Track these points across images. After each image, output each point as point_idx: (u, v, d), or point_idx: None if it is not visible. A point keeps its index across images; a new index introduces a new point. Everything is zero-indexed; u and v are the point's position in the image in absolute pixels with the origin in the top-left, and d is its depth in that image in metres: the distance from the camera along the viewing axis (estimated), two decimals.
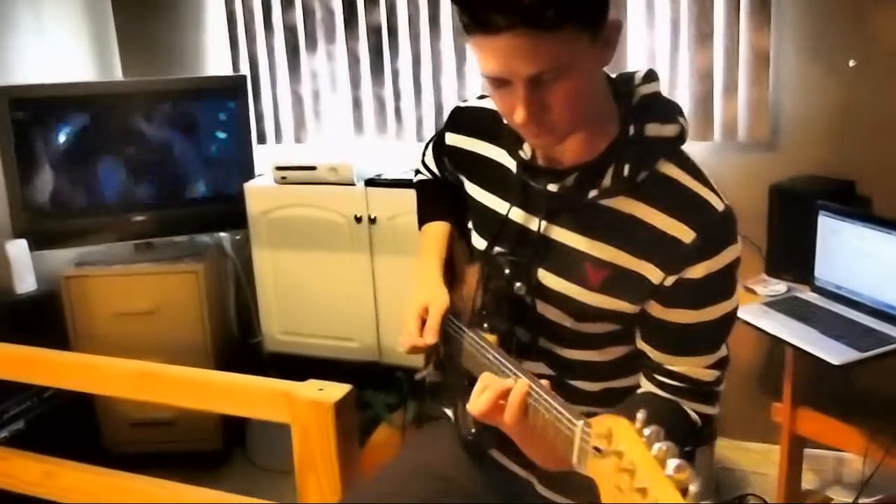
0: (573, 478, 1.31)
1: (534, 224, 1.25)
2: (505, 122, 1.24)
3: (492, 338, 1.26)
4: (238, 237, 3.29)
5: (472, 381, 1.32)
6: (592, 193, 1.18)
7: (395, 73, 3.05)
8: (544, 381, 1.07)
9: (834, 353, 2.07)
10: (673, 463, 0.78)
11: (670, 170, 1.17)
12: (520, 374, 1.09)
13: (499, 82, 1.09)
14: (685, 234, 1.14)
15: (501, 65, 1.05)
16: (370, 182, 2.87)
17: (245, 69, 3.24)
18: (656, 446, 0.80)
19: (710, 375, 1.20)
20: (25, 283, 2.82)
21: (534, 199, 1.25)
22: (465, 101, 1.46)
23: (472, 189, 1.38)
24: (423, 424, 1.68)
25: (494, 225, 1.31)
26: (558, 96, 1.07)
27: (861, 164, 2.57)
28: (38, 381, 1.87)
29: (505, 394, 1.07)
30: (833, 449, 2.70)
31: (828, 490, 2.79)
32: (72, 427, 2.94)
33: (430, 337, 1.33)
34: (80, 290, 2.97)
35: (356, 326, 3.01)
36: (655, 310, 1.19)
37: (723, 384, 1.22)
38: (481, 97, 1.42)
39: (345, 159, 2.90)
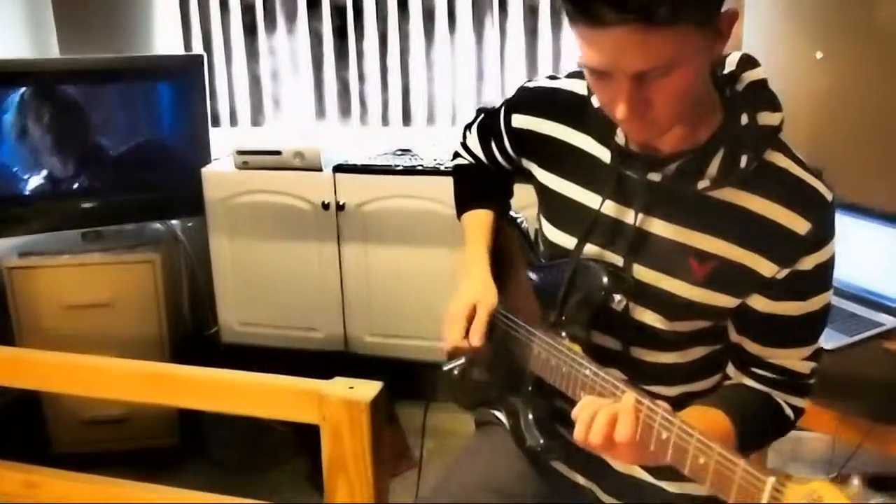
0: (642, 486, 1.28)
1: (629, 217, 1.18)
2: (595, 105, 1.18)
3: (576, 347, 1.18)
4: (190, 224, 3.14)
5: (537, 384, 1.27)
6: (702, 184, 1.11)
7: (360, 55, 2.96)
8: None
9: (824, 338, 2.09)
10: None
11: (778, 159, 1.12)
12: (627, 392, 1.04)
13: (600, 73, 1.02)
14: (800, 226, 1.10)
15: (607, 59, 0.98)
16: (339, 168, 2.78)
17: (198, 48, 3.09)
18: None
19: (806, 367, 1.18)
20: None
21: (629, 190, 1.17)
22: (530, 80, 1.37)
23: (549, 178, 1.29)
24: None
25: (583, 219, 1.22)
26: (664, 93, 1.00)
27: (829, 153, 2.62)
28: (24, 385, 1.73)
29: (615, 417, 1.01)
30: (798, 429, 2.76)
31: (788, 468, 2.86)
32: (17, 428, 2.76)
33: (477, 340, 1.27)
34: (25, 283, 2.78)
35: (321, 316, 2.92)
36: (760, 303, 1.15)
37: (815, 377, 1.20)
38: (551, 77, 1.33)
39: (311, 144, 2.79)
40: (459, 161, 1.54)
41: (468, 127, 1.51)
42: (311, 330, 2.95)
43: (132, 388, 1.47)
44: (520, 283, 1.37)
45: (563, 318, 1.22)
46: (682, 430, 0.97)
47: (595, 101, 1.19)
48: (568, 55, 2.85)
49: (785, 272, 1.12)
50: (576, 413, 1.05)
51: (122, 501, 1.66)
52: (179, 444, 3.00)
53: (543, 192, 1.31)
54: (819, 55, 2.62)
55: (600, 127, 1.20)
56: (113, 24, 3.22)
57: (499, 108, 1.39)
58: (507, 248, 1.43)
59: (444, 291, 2.71)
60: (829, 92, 2.61)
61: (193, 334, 3.15)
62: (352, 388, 1.41)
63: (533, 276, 1.35)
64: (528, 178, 1.35)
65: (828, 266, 1.14)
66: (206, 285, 3.07)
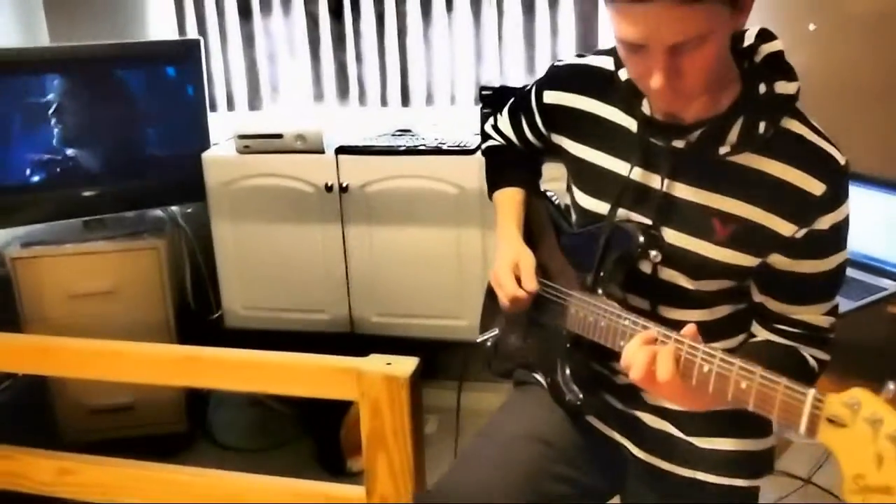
0: (674, 441, 1.33)
1: (655, 182, 1.25)
2: (622, 79, 1.25)
3: (613, 303, 1.25)
4: (190, 210, 3.14)
5: (575, 343, 1.32)
6: (723, 150, 1.18)
7: (358, 36, 2.95)
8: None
9: None
10: None
11: (794, 125, 1.19)
12: (671, 335, 1.11)
13: (635, 47, 1.09)
14: (815, 188, 1.16)
15: (644, 32, 1.05)
16: (341, 149, 2.78)
17: (192, 32, 3.07)
18: None
19: (826, 322, 1.25)
20: None
21: (655, 157, 1.25)
22: (559, 59, 1.44)
23: (579, 149, 1.35)
24: None
25: (613, 186, 1.29)
26: (695, 63, 1.08)
27: (828, 123, 2.66)
28: (51, 373, 1.73)
29: (655, 355, 1.09)
30: None
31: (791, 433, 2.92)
32: (25, 418, 2.76)
33: (530, 284, 1.35)
34: (29, 272, 2.78)
35: (327, 298, 2.93)
36: (780, 262, 1.21)
37: (835, 331, 1.26)
38: (579, 55, 1.40)
39: (313, 126, 2.79)
40: (490, 143, 1.60)
41: (499, 110, 1.58)
42: (317, 312, 2.96)
43: (165, 372, 1.48)
44: (552, 252, 1.42)
45: (601, 275, 1.29)
46: (723, 360, 1.04)
47: (622, 75, 1.27)
48: (565, 32, 2.87)
49: (802, 232, 1.19)
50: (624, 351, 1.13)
51: (155, 484, 1.68)
52: (187, 429, 3.02)
53: (575, 164, 1.37)
54: (812, 27, 2.65)
55: (627, 99, 1.27)
56: (105, 10, 3.19)
57: (529, 89, 1.46)
58: (538, 222, 1.49)
59: (448, 269, 2.76)
60: (825, 63, 2.65)
61: (197, 319, 3.15)
62: (389, 364, 1.43)
63: (567, 242, 1.41)
64: (557, 153, 1.41)
65: (843, 226, 1.21)
66: (209, 270, 3.08)
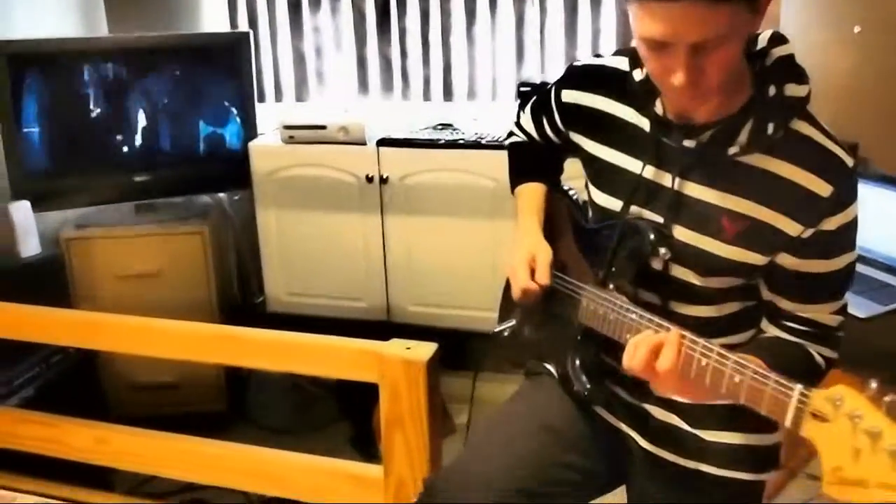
0: (680, 433, 1.37)
1: (667, 181, 1.28)
2: (636, 79, 1.29)
3: (623, 298, 1.29)
4: (237, 197, 3.24)
5: (586, 335, 1.36)
6: (733, 150, 1.21)
7: (403, 32, 3.02)
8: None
9: (858, 307, 2.15)
10: None
11: (804, 128, 1.21)
12: (671, 327, 1.15)
13: (659, 45, 1.11)
14: (823, 189, 1.18)
15: (669, 30, 1.08)
16: (382, 142, 2.85)
17: (243, 26, 3.16)
18: None
19: (835, 321, 1.27)
20: (30, 246, 2.74)
21: (667, 156, 1.28)
22: (577, 60, 1.48)
23: (594, 147, 1.39)
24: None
25: (627, 184, 1.32)
26: (716, 63, 1.10)
27: (865, 126, 2.64)
28: (101, 346, 1.82)
29: (658, 347, 1.12)
30: None
31: None
32: (77, 391, 2.88)
33: (543, 278, 1.38)
34: (82, 253, 2.89)
35: (365, 286, 3.00)
36: (788, 262, 1.24)
37: (843, 330, 1.29)
38: (597, 55, 1.44)
39: (356, 118, 2.86)
40: (514, 139, 1.65)
41: (522, 107, 1.62)
42: (355, 300, 3.03)
43: (202, 350, 1.57)
44: (570, 247, 1.46)
45: (613, 270, 1.33)
46: (720, 355, 1.09)
47: (637, 76, 1.30)
48: (607, 31, 2.89)
49: (809, 232, 1.21)
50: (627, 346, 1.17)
51: (186, 455, 1.76)
52: (227, 409, 3.10)
53: (590, 161, 1.40)
54: (857, 29, 2.64)
55: (641, 98, 1.31)
56: (161, 2, 3.31)
57: (550, 87, 1.50)
58: (558, 217, 1.52)
59: (484, 262, 2.81)
60: (866, 66, 2.63)
61: (241, 303, 3.25)
62: (409, 349, 1.50)
63: (583, 238, 1.45)
64: (575, 151, 1.44)
65: (850, 227, 1.22)
66: (253, 256, 3.17)
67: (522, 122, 1.61)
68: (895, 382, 2.24)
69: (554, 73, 2.98)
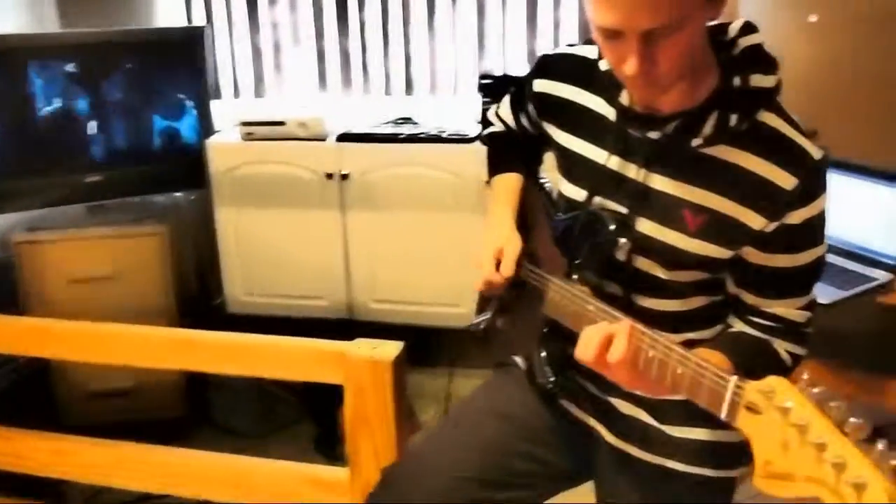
0: (646, 429, 1.34)
1: (631, 171, 1.25)
2: (603, 69, 1.26)
3: (585, 289, 1.26)
4: (193, 197, 3.16)
5: (553, 327, 1.33)
6: (696, 142, 1.18)
7: (362, 25, 2.97)
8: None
9: (819, 293, 2.14)
10: (853, 421, 0.80)
11: (770, 119, 1.19)
12: (623, 320, 1.13)
13: (612, 33, 1.09)
14: (787, 181, 1.16)
15: (621, 17, 1.06)
16: (342, 137, 2.80)
17: (199, 20, 3.09)
18: (832, 405, 0.82)
19: (803, 316, 1.24)
20: None
21: (632, 147, 1.25)
22: (552, 49, 1.45)
23: (563, 136, 1.36)
24: None
25: (592, 174, 1.29)
26: (670, 51, 1.08)
27: (824, 114, 2.65)
28: (51, 355, 1.75)
29: (610, 338, 1.11)
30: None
31: None
32: (26, 401, 2.79)
33: (508, 270, 1.35)
34: (34, 257, 2.80)
35: (326, 284, 2.96)
36: (753, 256, 1.21)
37: (812, 326, 1.26)
38: (570, 45, 1.41)
39: (315, 114, 2.81)
40: (492, 129, 1.62)
41: (490, 98, 1.59)
42: (317, 298, 2.98)
43: (158, 355, 1.51)
44: (543, 238, 1.43)
45: (577, 261, 1.30)
46: (665, 346, 1.08)
47: (603, 65, 1.27)
48: (568, 23, 2.87)
49: (773, 226, 1.18)
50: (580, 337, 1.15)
51: (149, 465, 1.71)
52: (187, 413, 3.03)
53: (560, 151, 1.38)
54: (812, 18, 2.64)
55: (607, 88, 1.28)
56: None
57: (525, 77, 1.47)
58: (533, 208, 1.50)
59: (447, 257, 2.77)
60: (824, 53, 2.64)
61: (200, 305, 3.18)
62: (375, 348, 1.46)
63: (552, 229, 1.42)
64: (549, 141, 1.41)
65: (817, 221, 1.20)
66: (212, 256, 3.10)
67: (501, 112, 1.58)
68: (856, 366, 2.27)
69: (515, 65, 2.96)
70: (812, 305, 1.25)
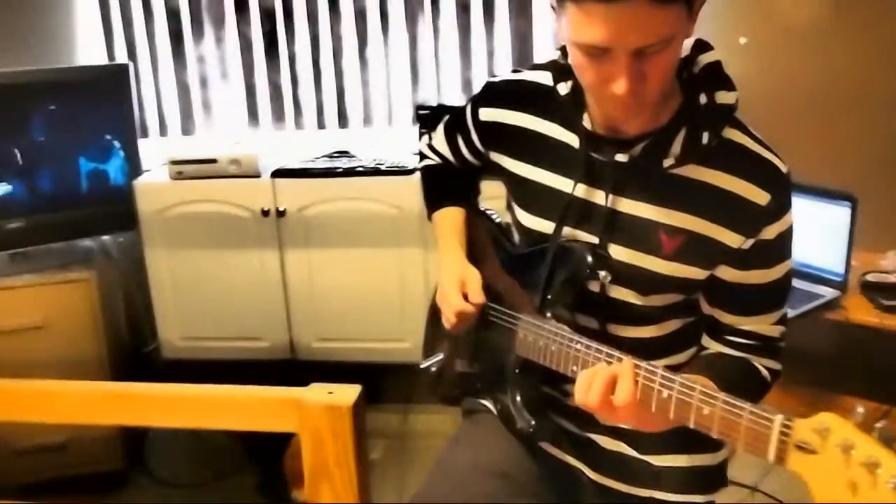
0: (629, 461, 1.31)
1: (599, 198, 1.22)
2: (562, 93, 1.23)
3: (564, 327, 1.21)
4: (122, 239, 3.04)
5: (526, 368, 1.28)
6: (668, 162, 1.16)
7: (292, 58, 2.91)
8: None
9: None
10: None
11: (736, 136, 1.18)
12: (624, 359, 1.08)
13: (599, 51, 1.05)
14: (760, 198, 1.15)
15: (612, 34, 1.02)
16: (277, 173, 2.73)
17: (122, 57, 2.99)
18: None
19: (777, 331, 1.24)
20: None
21: (599, 172, 1.22)
22: (495, 75, 1.41)
23: (519, 167, 1.31)
24: None
25: (557, 204, 1.25)
26: (657, 68, 1.06)
27: (763, 135, 2.70)
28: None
29: (613, 379, 1.05)
30: None
31: None
32: None
33: (477, 297, 1.31)
34: None
35: (266, 325, 2.87)
36: (729, 274, 1.20)
37: (785, 340, 1.25)
38: (515, 71, 1.37)
39: (248, 150, 2.74)
40: (427, 162, 1.57)
41: (430, 128, 1.54)
42: (256, 340, 2.89)
43: (97, 412, 1.40)
44: (496, 273, 1.38)
45: (549, 297, 1.26)
46: (683, 385, 1.02)
47: (562, 89, 1.24)
48: (501, 51, 2.87)
49: (750, 242, 1.17)
50: (577, 382, 1.09)
51: None
52: (124, 466, 2.89)
53: (515, 182, 1.33)
54: (743, 41, 2.68)
55: (567, 114, 1.25)
56: (31, 35, 3.08)
57: (465, 105, 1.43)
58: (480, 242, 1.45)
59: (390, 292, 2.72)
60: (759, 75, 2.69)
61: (133, 352, 3.05)
62: (331, 393, 1.38)
63: (511, 264, 1.37)
64: (496, 171, 1.37)
65: (788, 235, 1.20)
66: (144, 301, 2.98)
67: (435, 143, 1.53)
68: (808, 383, 2.28)
69: (450, 94, 2.94)
70: (785, 319, 1.26)
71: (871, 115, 2.70)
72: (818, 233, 2.32)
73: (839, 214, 2.27)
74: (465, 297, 1.32)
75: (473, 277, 1.33)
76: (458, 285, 1.33)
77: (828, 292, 2.27)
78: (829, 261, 2.31)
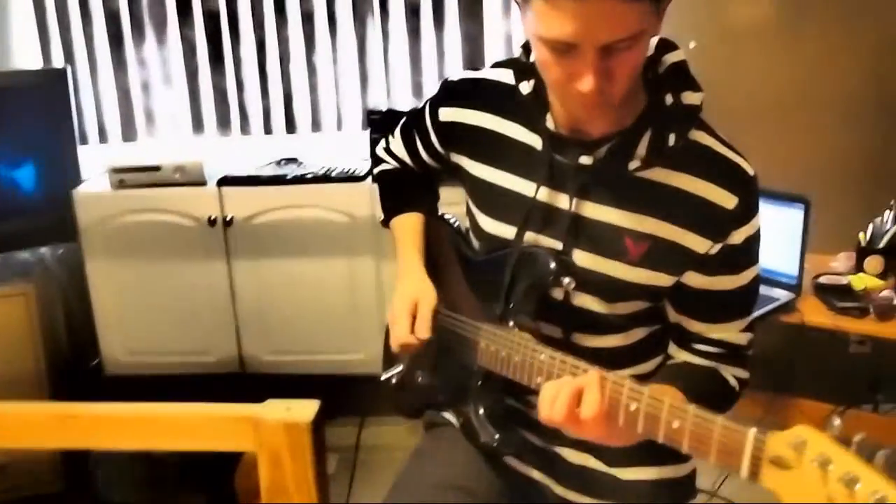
0: (595, 475, 1.27)
1: (563, 202, 1.18)
2: (524, 93, 1.18)
3: (527, 335, 1.17)
4: (61, 251, 2.93)
5: (489, 379, 1.24)
6: (633, 165, 1.13)
7: (238, 62, 2.84)
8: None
9: None
10: None
11: (702, 138, 1.15)
12: (589, 370, 1.04)
13: (566, 47, 1.01)
14: (728, 201, 1.12)
15: (580, 29, 0.98)
16: (223, 181, 2.65)
17: (59, 61, 2.88)
18: (880, 454, 0.76)
19: (744, 339, 1.21)
20: None
21: (562, 175, 1.17)
22: (451, 76, 1.35)
23: (480, 169, 1.26)
24: None
25: (519, 208, 1.20)
26: (624, 66, 1.02)
27: None
28: None
29: (579, 392, 1.01)
30: None
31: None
32: None
33: (423, 332, 1.25)
34: None
35: (213, 338, 2.79)
36: (696, 280, 1.17)
37: (752, 347, 1.23)
38: (474, 69, 1.33)
39: (192, 157, 2.65)
40: (384, 166, 1.50)
41: (391, 131, 1.48)
42: (203, 354, 2.80)
43: (36, 435, 1.32)
44: (456, 280, 1.34)
45: (511, 305, 1.21)
46: (651, 398, 0.98)
47: (524, 88, 1.20)
48: (451, 54, 2.83)
49: (717, 247, 1.15)
50: (541, 395, 1.05)
51: None
52: (65, 488, 2.78)
53: (475, 185, 1.28)
54: (692, 45, 2.69)
55: (529, 114, 1.20)
56: None
57: (423, 106, 1.37)
58: (440, 249, 1.40)
59: (342, 302, 2.66)
60: (711, 78, 2.68)
61: (74, 369, 2.94)
62: (288, 409, 1.32)
63: (472, 270, 1.32)
64: (456, 174, 1.33)
65: (755, 239, 1.18)
66: (85, 316, 2.87)
67: (392, 147, 1.47)
68: (762, 387, 2.27)
69: (400, 98, 2.89)
70: (752, 326, 1.23)
71: (821, 118, 2.72)
72: (772, 236, 2.31)
73: (792, 217, 2.28)
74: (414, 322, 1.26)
75: (426, 302, 1.27)
76: (410, 307, 1.27)
77: (782, 295, 2.27)
78: (782, 264, 2.31)
